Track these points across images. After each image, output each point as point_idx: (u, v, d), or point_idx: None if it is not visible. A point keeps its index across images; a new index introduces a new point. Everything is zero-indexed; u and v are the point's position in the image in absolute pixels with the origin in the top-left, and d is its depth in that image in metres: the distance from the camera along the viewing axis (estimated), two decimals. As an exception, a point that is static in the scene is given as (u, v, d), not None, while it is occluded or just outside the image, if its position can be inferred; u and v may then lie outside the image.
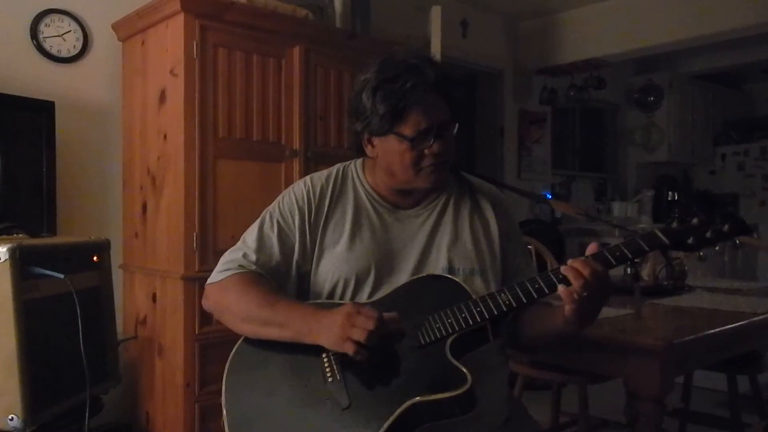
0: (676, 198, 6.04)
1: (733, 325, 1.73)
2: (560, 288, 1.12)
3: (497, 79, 4.87)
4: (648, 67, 5.80)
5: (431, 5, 3.45)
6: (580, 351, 1.67)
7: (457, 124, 1.31)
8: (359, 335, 1.10)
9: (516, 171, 4.99)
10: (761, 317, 1.83)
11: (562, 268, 1.13)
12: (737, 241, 1.12)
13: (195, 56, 2.38)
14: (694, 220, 1.13)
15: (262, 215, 1.39)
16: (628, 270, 2.27)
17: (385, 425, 1.10)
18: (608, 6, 4.43)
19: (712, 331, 1.66)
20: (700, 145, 6.21)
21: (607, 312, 1.87)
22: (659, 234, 1.14)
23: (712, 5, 4.00)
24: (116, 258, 2.61)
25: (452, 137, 1.31)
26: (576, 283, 1.10)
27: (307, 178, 1.42)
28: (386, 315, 1.15)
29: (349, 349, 1.12)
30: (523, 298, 1.18)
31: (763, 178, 6.04)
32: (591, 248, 1.17)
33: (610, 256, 1.14)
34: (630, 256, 1.14)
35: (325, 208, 1.36)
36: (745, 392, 2.56)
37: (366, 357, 1.12)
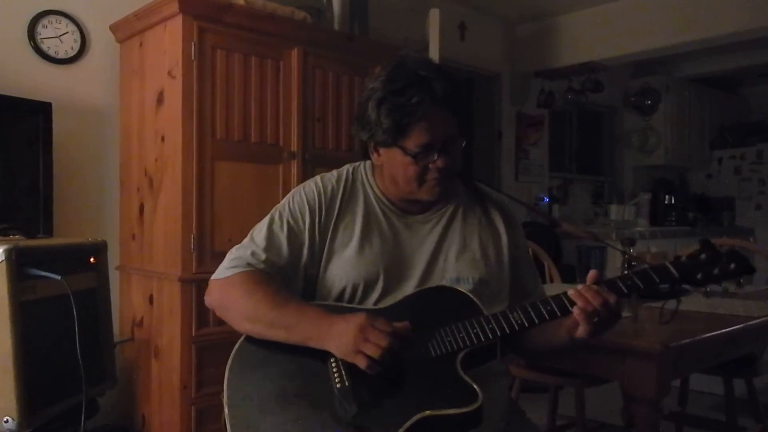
0: (673, 201, 6.06)
1: (730, 328, 1.74)
2: (575, 310, 1.15)
3: (495, 81, 4.88)
4: (645, 70, 5.82)
5: (429, 8, 3.46)
6: (577, 354, 1.67)
7: (464, 141, 1.30)
8: (372, 351, 1.10)
9: (513, 174, 5.00)
10: (757, 321, 1.84)
11: (571, 293, 1.16)
12: (741, 281, 1.20)
13: (193, 58, 2.38)
14: (702, 256, 1.18)
15: (270, 213, 1.37)
16: (625, 273, 2.27)
17: None
18: (606, 10, 4.44)
19: (709, 334, 1.67)
20: (697, 148, 6.23)
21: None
22: (670, 267, 1.18)
23: (709, 10, 4.02)
24: (113, 259, 2.60)
25: (458, 151, 1.30)
26: (588, 308, 1.13)
27: (318, 178, 1.40)
28: (398, 325, 1.14)
29: (360, 362, 1.12)
30: (536, 319, 1.18)
31: (759, 182, 6.06)
32: (591, 276, 1.19)
33: (622, 285, 1.18)
34: (641, 286, 1.18)
35: (336, 210, 1.35)
36: (741, 395, 2.56)
37: (377, 371, 1.12)
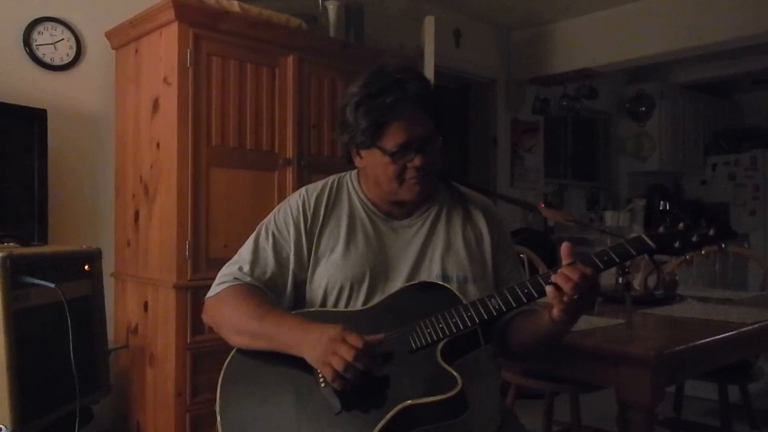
0: (667, 207, 6.08)
1: (724, 335, 1.74)
2: (548, 289, 1.13)
3: (490, 88, 4.90)
4: (640, 77, 5.85)
5: (425, 15, 3.47)
6: (572, 360, 1.68)
7: (440, 138, 1.33)
8: (337, 364, 1.12)
9: (509, 180, 5.01)
10: (751, 327, 1.84)
11: (553, 277, 1.14)
12: (723, 245, 1.15)
13: (189, 65, 2.38)
14: (680, 225, 1.16)
15: (257, 228, 1.41)
16: (620, 279, 2.28)
17: (377, 429, 1.11)
18: (600, 17, 4.47)
19: (703, 341, 1.67)
20: (691, 154, 6.26)
21: (598, 321, 1.88)
22: (646, 239, 1.16)
23: (703, 17, 4.04)
24: (108, 266, 2.60)
25: (436, 150, 1.33)
26: (566, 287, 1.11)
27: (303, 189, 1.44)
28: (370, 338, 1.16)
29: (327, 374, 1.14)
30: (513, 303, 1.19)
31: (753, 188, 6.08)
32: (564, 247, 1.17)
33: (597, 260, 1.16)
34: (617, 260, 1.16)
35: (321, 218, 1.38)
36: (735, 401, 2.57)
37: (342, 385, 1.14)
